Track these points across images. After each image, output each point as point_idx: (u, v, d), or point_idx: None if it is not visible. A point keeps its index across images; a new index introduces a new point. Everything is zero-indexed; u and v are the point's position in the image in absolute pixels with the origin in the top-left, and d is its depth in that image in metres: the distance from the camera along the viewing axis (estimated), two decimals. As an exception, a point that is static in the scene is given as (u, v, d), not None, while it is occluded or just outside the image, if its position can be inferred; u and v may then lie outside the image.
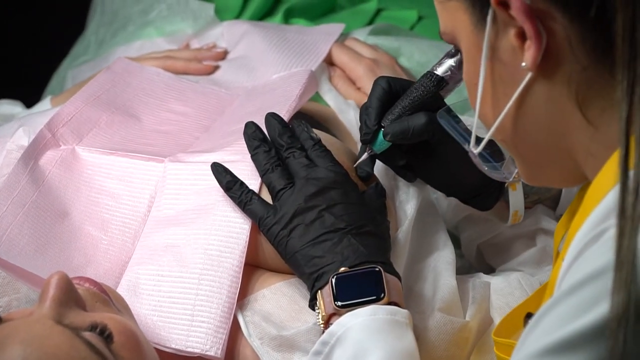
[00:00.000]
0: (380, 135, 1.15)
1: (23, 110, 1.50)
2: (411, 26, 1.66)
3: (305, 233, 1.08)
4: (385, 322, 1.03)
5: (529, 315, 1.00)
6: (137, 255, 1.15)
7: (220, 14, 1.62)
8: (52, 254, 1.13)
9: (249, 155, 1.14)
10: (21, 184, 1.16)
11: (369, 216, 1.10)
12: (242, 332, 1.10)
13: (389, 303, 1.04)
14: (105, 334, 0.94)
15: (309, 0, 1.68)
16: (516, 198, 1.21)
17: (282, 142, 1.13)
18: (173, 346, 1.08)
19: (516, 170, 0.98)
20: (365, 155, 1.17)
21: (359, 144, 1.19)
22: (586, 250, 0.79)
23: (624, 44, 0.76)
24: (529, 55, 0.82)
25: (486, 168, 1.03)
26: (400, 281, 1.08)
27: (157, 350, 1.06)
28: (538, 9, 0.81)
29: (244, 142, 1.15)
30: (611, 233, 0.76)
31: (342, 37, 1.50)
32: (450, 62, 1.15)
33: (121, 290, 1.11)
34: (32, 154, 1.20)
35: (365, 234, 1.08)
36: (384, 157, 1.19)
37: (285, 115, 1.21)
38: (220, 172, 1.13)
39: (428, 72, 1.16)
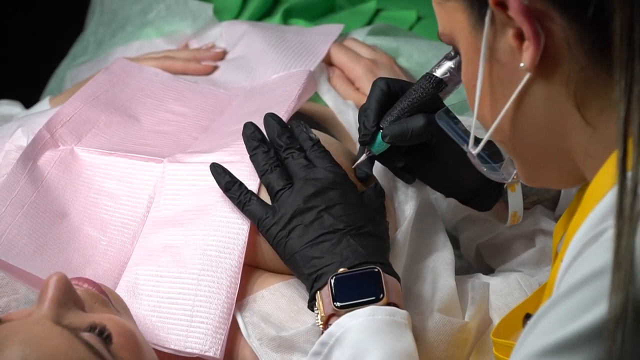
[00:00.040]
0: (379, 137, 1.15)
1: (22, 111, 1.50)
2: (410, 26, 1.66)
3: (304, 234, 1.08)
4: (384, 323, 1.03)
5: (527, 316, 1.00)
6: (136, 255, 1.15)
7: (219, 14, 1.62)
8: (51, 255, 1.13)
9: (248, 155, 1.14)
10: (20, 184, 1.16)
11: (368, 217, 1.10)
12: (241, 332, 1.10)
13: (388, 304, 1.04)
14: (104, 335, 0.94)
15: (308, 0, 1.68)
16: (515, 199, 1.21)
17: (280, 143, 1.13)
18: (172, 347, 1.08)
19: (515, 171, 0.98)
20: (363, 157, 1.17)
21: (358, 145, 1.19)
22: (585, 251, 0.79)
23: (622, 43, 0.76)
24: (527, 55, 0.82)
25: (485, 169, 1.03)
26: (399, 282, 1.08)
27: (156, 350, 1.06)
28: (536, 9, 0.80)
29: (243, 142, 1.15)
30: (610, 234, 0.76)
31: (341, 38, 1.50)
32: (449, 63, 1.15)
33: (120, 291, 1.11)
34: (31, 154, 1.20)
35: (364, 234, 1.08)
36: (383, 158, 1.19)
37: (284, 116, 1.21)
38: (219, 172, 1.13)
39: (427, 73, 1.16)
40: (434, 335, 1.11)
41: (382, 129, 1.15)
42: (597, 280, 0.76)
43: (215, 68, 1.47)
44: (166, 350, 1.08)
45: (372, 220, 1.10)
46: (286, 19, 1.63)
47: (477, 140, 0.95)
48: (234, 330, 1.10)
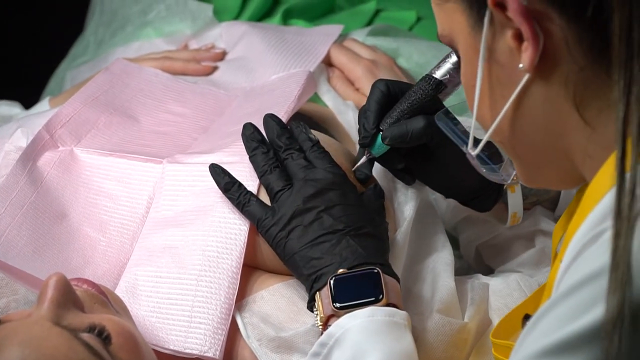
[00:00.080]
0: (379, 139, 1.15)
1: (21, 111, 1.50)
2: (410, 27, 1.66)
3: (304, 234, 1.08)
4: (384, 324, 1.03)
5: (527, 317, 1.00)
6: (135, 256, 1.15)
7: (219, 15, 1.62)
8: (51, 255, 1.13)
9: (247, 156, 1.14)
10: (19, 185, 1.16)
11: (367, 217, 1.10)
12: (240, 333, 1.10)
13: (388, 304, 1.04)
14: (103, 336, 0.94)
15: (308, 1, 1.68)
16: (515, 200, 1.21)
17: (280, 144, 1.13)
18: (171, 347, 1.08)
19: (514, 172, 0.98)
20: (363, 159, 1.17)
21: (358, 145, 1.19)
22: (584, 252, 0.79)
23: (621, 43, 0.76)
24: (526, 56, 0.82)
25: (484, 170, 1.02)
26: (399, 283, 1.08)
27: (156, 351, 1.06)
28: (535, 10, 0.80)
29: (242, 143, 1.15)
30: (609, 234, 0.76)
31: (341, 38, 1.50)
32: (449, 65, 1.15)
33: (119, 292, 1.11)
34: (31, 155, 1.20)
35: (363, 235, 1.08)
36: (383, 160, 1.18)
37: (284, 117, 1.21)
38: (219, 173, 1.13)
39: (427, 75, 1.16)
40: (434, 336, 1.11)
41: (382, 131, 1.15)
42: (596, 281, 0.76)
43: (214, 68, 1.47)
44: (165, 351, 1.08)
45: (371, 221, 1.10)
46: (286, 19, 1.63)
47: (477, 141, 0.95)
48: (233, 331, 1.10)
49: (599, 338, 0.74)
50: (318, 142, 1.14)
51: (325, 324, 1.05)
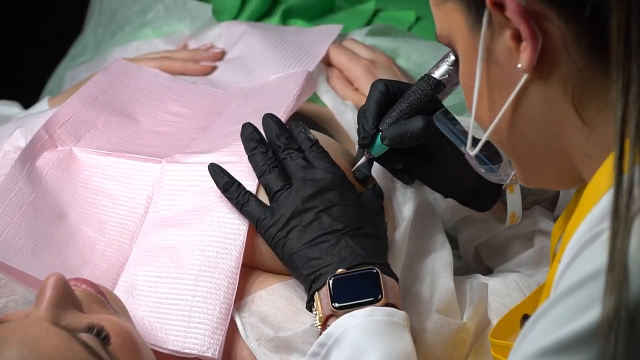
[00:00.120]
0: (378, 139, 1.15)
1: (20, 111, 1.50)
2: (409, 27, 1.66)
3: (303, 234, 1.08)
4: (383, 324, 1.03)
5: (525, 317, 1.00)
6: (134, 256, 1.15)
7: (218, 15, 1.62)
8: (49, 256, 1.13)
9: (246, 156, 1.14)
10: (18, 185, 1.16)
11: (366, 217, 1.10)
12: (239, 333, 1.10)
13: (387, 305, 1.04)
14: (102, 336, 0.94)
15: (307, 1, 1.68)
16: (514, 199, 1.21)
17: (279, 143, 1.13)
18: (170, 347, 1.08)
19: (513, 173, 0.98)
20: (363, 159, 1.17)
21: (357, 145, 1.19)
22: (582, 252, 0.79)
23: (619, 43, 0.76)
24: (524, 56, 0.82)
25: (483, 170, 1.02)
26: (398, 283, 1.08)
27: (154, 351, 1.06)
28: (533, 10, 0.80)
29: (241, 143, 1.15)
30: (608, 235, 0.76)
31: (340, 38, 1.50)
32: (448, 65, 1.15)
33: (118, 292, 1.11)
34: (29, 155, 1.20)
35: (362, 235, 1.08)
36: (382, 160, 1.18)
37: (283, 116, 1.21)
38: (218, 173, 1.13)
39: (425, 75, 1.16)
40: (432, 336, 1.11)
41: (381, 131, 1.15)
42: (594, 282, 0.76)
43: (214, 68, 1.46)
44: (164, 351, 1.08)
45: (370, 221, 1.10)
46: (285, 19, 1.63)
47: (476, 141, 0.95)
48: (232, 331, 1.10)
49: (597, 338, 0.74)
50: (317, 141, 1.14)
51: (324, 324, 1.05)
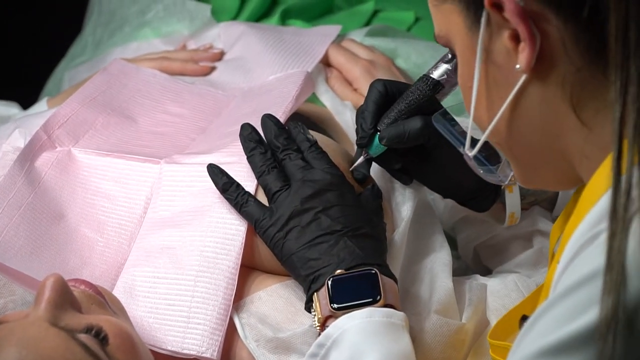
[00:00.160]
0: (376, 139, 1.15)
1: (19, 112, 1.50)
2: (408, 27, 1.66)
3: (301, 235, 1.07)
4: (382, 325, 1.03)
5: (524, 318, 1.00)
6: (133, 257, 1.15)
7: (217, 15, 1.62)
8: (48, 256, 1.13)
9: (245, 156, 1.14)
10: (17, 185, 1.16)
11: (365, 218, 1.10)
12: (238, 334, 1.10)
13: (385, 305, 1.04)
14: (100, 336, 0.94)
15: (306, 1, 1.68)
16: (512, 200, 1.21)
17: (278, 144, 1.13)
18: (169, 348, 1.08)
19: (511, 173, 0.98)
20: (361, 159, 1.17)
21: (356, 146, 1.19)
22: (581, 253, 0.79)
23: (617, 44, 0.76)
24: (523, 57, 0.82)
25: (481, 171, 1.02)
26: (397, 283, 1.08)
27: (153, 352, 1.06)
28: (531, 10, 0.80)
29: (240, 143, 1.15)
30: (606, 236, 0.76)
31: (339, 38, 1.50)
32: (446, 65, 1.15)
33: (117, 292, 1.11)
34: (28, 155, 1.20)
35: (361, 236, 1.08)
36: (380, 160, 1.18)
37: (282, 117, 1.21)
38: (217, 173, 1.13)
39: (424, 75, 1.15)
40: (431, 337, 1.11)
41: (379, 131, 1.15)
42: (593, 283, 0.76)
43: (212, 69, 1.46)
44: (163, 352, 1.08)
45: (369, 222, 1.10)
46: (284, 19, 1.63)
47: (474, 142, 0.95)
48: (231, 332, 1.10)
49: (595, 339, 0.74)
50: (316, 142, 1.14)
51: (323, 325, 1.05)
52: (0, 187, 1.15)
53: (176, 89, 1.37)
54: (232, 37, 1.51)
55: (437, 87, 1.15)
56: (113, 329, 0.96)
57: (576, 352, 0.76)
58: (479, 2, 0.83)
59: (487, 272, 1.29)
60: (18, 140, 1.24)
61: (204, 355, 1.07)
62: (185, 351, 1.08)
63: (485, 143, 0.93)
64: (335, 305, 1.04)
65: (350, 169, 1.17)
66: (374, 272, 1.05)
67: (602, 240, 0.77)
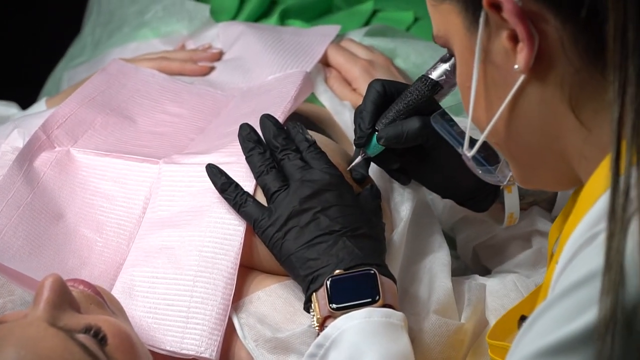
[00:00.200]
0: (374, 139, 1.15)
1: (18, 112, 1.50)
2: (407, 27, 1.66)
3: (300, 235, 1.07)
4: (380, 325, 1.03)
5: (523, 318, 1.00)
6: (131, 257, 1.15)
7: (216, 15, 1.62)
8: (47, 256, 1.13)
9: (244, 157, 1.14)
10: (16, 185, 1.16)
11: (364, 218, 1.10)
12: (237, 334, 1.10)
13: (384, 305, 1.04)
14: (99, 337, 0.94)
15: (305, 1, 1.68)
16: (511, 200, 1.21)
17: (276, 144, 1.13)
18: (168, 348, 1.08)
19: (510, 174, 0.98)
20: (359, 159, 1.17)
21: (354, 145, 1.19)
22: (579, 253, 0.79)
23: (616, 44, 0.76)
24: (521, 57, 0.82)
25: (480, 171, 1.02)
26: (396, 283, 1.08)
27: (152, 352, 1.06)
28: (530, 10, 0.80)
29: (239, 143, 1.15)
30: (604, 236, 0.76)
31: (338, 38, 1.50)
32: (445, 66, 1.15)
33: (116, 292, 1.11)
34: (27, 155, 1.20)
35: (360, 236, 1.08)
36: (378, 160, 1.18)
37: (280, 117, 1.21)
38: (215, 173, 1.13)
39: (423, 76, 1.15)
40: (430, 337, 1.11)
41: (377, 131, 1.15)
42: (591, 283, 0.76)
43: (211, 69, 1.46)
44: (162, 352, 1.08)
45: (368, 222, 1.10)
46: (283, 19, 1.63)
47: (473, 142, 0.95)
48: (229, 332, 1.10)
49: (594, 340, 0.74)
50: (315, 142, 1.14)
51: (322, 325, 1.05)
52: (-1, 187, 1.15)
53: (175, 89, 1.37)
54: (231, 37, 1.51)
55: (436, 88, 1.15)
56: (112, 329, 0.96)
57: (575, 352, 0.76)
58: (478, 2, 0.83)
59: (486, 272, 1.29)
60: (17, 140, 1.24)
61: (202, 355, 1.07)
62: (184, 351, 1.08)
63: (484, 143, 0.93)
64: (334, 306, 1.04)
65: (348, 169, 1.17)
66: (372, 272, 1.05)
67: (601, 240, 0.76)
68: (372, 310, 1.03)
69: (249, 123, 1.16)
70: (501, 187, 1.21)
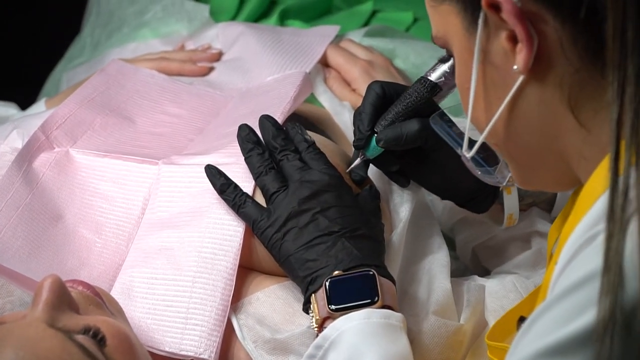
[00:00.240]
0: (373, 141, 1.15)
1: (17, 112, 1.50)
2: (407, 28, 1.66)
3: (299, 236, 1.07)
4: (379, 326, 1.02)
5: (521, 319, 1.00)
6: (130, 258, 1.14)
7: (216, 16, 1.62)
8: (46, 257, 1.13)
9: (243, 157, 1.14)
10: (15, 186, 1.16)
11: (363, 219, 1.10)
12: (236, 335, 1.10)
13: (383, 306, 1.04)
14: (98, 337, 0.94)
15: (305, 1, 1.68)
16: (511, 201, 1.21)
17: (275, 145, 1.13)
18: (167, 349, 1.08)
19: (509, 175, 0.98)
20: (358, 161, 1.17)
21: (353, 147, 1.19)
22: (578, 254, 0.79)
23: (615, 44, 0.76)
24: (520, 58, 0.82)
25: (479, 172, 1.02)
26: (395, 284, 1.07)
27: (151, 353, 1.06)
28: (529, 11, 0.80)
29: (238, 144, 1.15)
30: (603, 237, 0.76)
31: (338, 39, 1.50)
32: (444, 67, 1.15)
33: (115, 293, 1.11)
34: (26, 156, 1.19)
35: (359, 237, 1.08)
36: (377, 162, 1.18)
37: (280, 118, 1.21)
38: (214, 174, 1.13)
39: (422, 77, 1.15)
40: (429, 338, 1.11)
41: (376, 133, 1.15)
42: (590, 284, 0.76)
43: (211, 69, 1.46)
44: (161, 353, 1.08)
45: (367, 223, 1.10)
46: (283, 20, 1.63)
47: (472, 143, 0.95)
48: (229, 333, 1.10)
49: (593, 341, 0.74)
50: (314, 143, 1.14)
51: (321, 326, 1.05)
52: (-2, 188, 1.15)
53: (174, 89, 1.37)
54: (231, 37, 1.51)
55: (435, 90, 1.14)
56: (111, 330, 0.96)
57: (573, 353, 0.75)
58: (477, 3, 0.83)
59: (485, 273, 1.29)
60: (16, 141, 1.24)
61: (201, 356, 1.07)
62: (183, 352, 1.08)
63: (483, 144, 0.93)
64: (333, 307, 1.04)
65: (347, 171, 1.17)
66: (371, 273, 1.05)
67: (600, 241, 0.76)
68: (371, 311, 1.03)
69: (248, 124, 1.16)
70: (500, 188, 1.21)
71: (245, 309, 1.11)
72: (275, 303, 1.11)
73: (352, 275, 1.05)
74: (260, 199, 1.12)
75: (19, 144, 1.22)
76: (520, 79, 0.83)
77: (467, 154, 0.96)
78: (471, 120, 0.90)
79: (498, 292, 1.18)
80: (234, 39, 1.49)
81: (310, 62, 1.40)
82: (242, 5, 1.66)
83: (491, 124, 0.88)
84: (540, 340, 0.77)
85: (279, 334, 1.08)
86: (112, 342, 0.95)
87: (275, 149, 1.13)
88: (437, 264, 1.18)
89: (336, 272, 1.05)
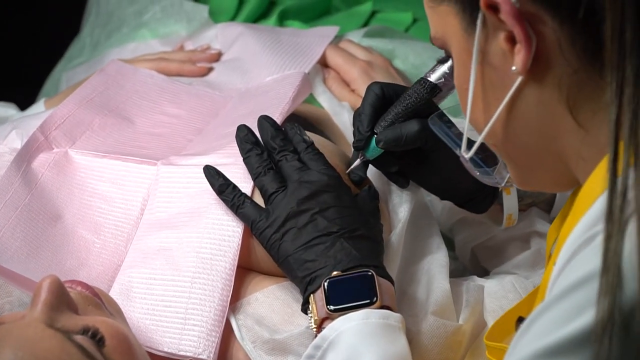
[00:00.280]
0: (373, 142, 1.15)
1: (17, 113, 1.50)
2: (406, 28, 1.66)
3: (298, 237, 1.07)
4: (378, 326, 1.02)
5: (520, 319, 1.00)
6: (129, 258, 1.14)
7: (215, 16, 1.62)
8: (45, 257, 1.13)
9: (242, 158, 1.14)
10: (14, 186, 1.16)
11: (362, 219, 1.10)
12: (234, 335, 1.10)
13: (382, 307, 1.04)
14: (97, 338, 0.94)
15: (304, 2, 1.68)
16: (510, 201, 1.21)
17: (274, 145, 1.13)
18: (165, 349, 1.08)
19: (508, 175, 0.98)
20: (357, 161, 1.17)
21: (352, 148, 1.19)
22: (577, 255, 0.79)
23: (613, 45, 0.76)
24: (519, 59, 0.82)
25: (478, 173, 1.02)
26: (393, 285, 1.07)
27: (150, 353, 1.06)
28: (527, 12, 0.80)
29: (237, 145, 1.15)
30: (602, 237, 0.76)
31: (337, 39, 1.49)
32: (444, 68, 1.15)
33: (114, 294, 1.11)
34: (25, 156, 1.19)
35: (358, 237, 1.08)
36: (377, 163, 1.18)
37: (278, 118, 1.21)
38: (213, 175, 1.13)
39: (421, 78, 1.15)
40: (428, 338, 1.11)
41: (376, 134, 1.15)
42: (588, 284, 0.76)
43: (210, 70, 1.46)
44: (160, 353, 1.08)
45: (366, 223, 1.10)
46: (282, 20, 1.63)
47: (471, 144, 0.95)
48: (227, 333, 1.10)
49: (591, 341, 0.74)
50: (312, 143, 1.14)
51: (320, 327, 1.05)
52: (-4, 188, 1.15)
53: (173, 90, 1.37)
54: (230, 38, 1.51)
55: (435, 91, 1.14)
56: (110, 330, 0.96)
57: (572, 354, 0.76)
58: (475, 3, 0.83)
59: (484, 273, 1.29)
60: (15, 141, 1.24)
61: (200, 356, 1.07)
62: (181, 353, 1.08)
63: (482, 145, 0.93)
64: (332, 307, 1.04)
65: (347, 172, 1.17)
66: (370, 273, 1.05)
67: (598, 242, 0.76)
68: (369, 311, 1.03)
69: (247, 124, 1.16)
70: (500, 189, 1.21)
71: (244, 309, 1.11)
72: (274, 303, 1.11)
73: (351, 276, 1.05)
74: (259, 199, 1.12)
75: (18, 145, 1.22)
76: (519, 79, 0.83)
77: (465, 154, 0.96)
78: (470, 121, 0.90)
79: (497, 293, 1.18)
80: (233, 39, 1.49)
81: (309, 63, 1.40)
82: (241, 6, 1.66)
83: (490, 124, 0.88)
84: (538, 341, 0.77)
85: (278, 334, 1.08)
86: (110, 342, 0.95)
87: (274, 149, 1.13)
88: (436, 264, 1.18)
89: (335, 273, 1.05)
